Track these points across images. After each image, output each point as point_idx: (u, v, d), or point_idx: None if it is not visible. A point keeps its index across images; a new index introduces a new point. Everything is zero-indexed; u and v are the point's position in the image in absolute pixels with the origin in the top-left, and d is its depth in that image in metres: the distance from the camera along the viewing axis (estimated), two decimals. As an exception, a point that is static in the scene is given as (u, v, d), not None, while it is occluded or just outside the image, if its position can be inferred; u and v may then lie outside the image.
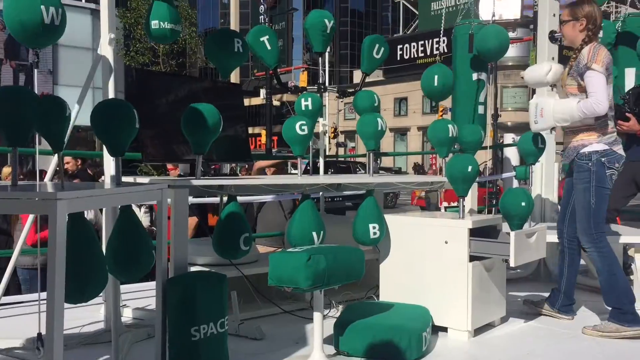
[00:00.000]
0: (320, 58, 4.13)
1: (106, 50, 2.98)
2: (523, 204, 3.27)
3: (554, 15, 4.73)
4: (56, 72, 25.36)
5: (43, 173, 7.53)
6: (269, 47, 3.81)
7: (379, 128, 3.63)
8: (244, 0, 60.63)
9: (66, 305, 1.88)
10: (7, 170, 4.96)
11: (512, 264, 3.14)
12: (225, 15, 63.77)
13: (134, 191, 2.41)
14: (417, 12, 40.08)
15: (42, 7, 2.37)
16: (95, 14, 28.83)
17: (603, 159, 3.34)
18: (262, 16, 35.08)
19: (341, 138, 42.67)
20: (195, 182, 2.81)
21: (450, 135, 3.76)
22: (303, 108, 3.76)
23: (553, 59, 4.78)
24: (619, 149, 3.42)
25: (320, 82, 4.14)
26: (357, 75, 47.29)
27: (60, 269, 1.83)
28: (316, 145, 4.35)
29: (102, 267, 2.19)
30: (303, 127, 3.44)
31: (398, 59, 39.20)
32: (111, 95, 2.93)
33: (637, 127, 4.42)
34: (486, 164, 8.70)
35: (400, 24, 49.17)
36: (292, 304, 3.71)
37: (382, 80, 40.69)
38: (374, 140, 3.69)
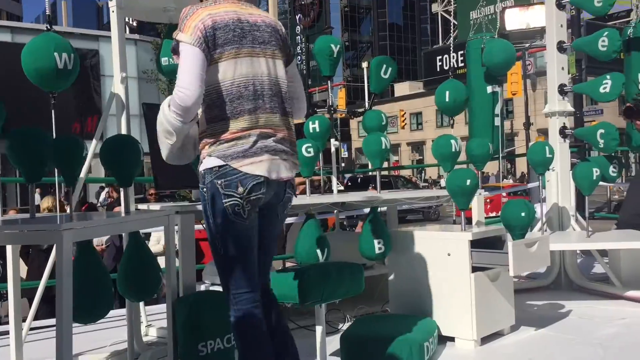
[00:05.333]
0: (329, 81, 4.30)
1: (119, 88, 3.23)
2: (523, 214, 3.35)
3: (561, 25, 4.81)
4: (102, 101, 26.27)
5: (84, 205, 7.95)
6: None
7: (383, 147, 3.78)
8: (282, 22, 61.66)
9: (95, 326, 2.05)
10: (45, 203, 5.27)
11: (511, 273, 3.21)
12: (266, 37, 64.81)
13: (140, 218, 2.63)
14: (456, 22, 39.87)
15: (55, 54, 2.63)
16: (140, 44, 29.86)
17: (218, 182, 2.21)
18: (299, 36, 35.66)
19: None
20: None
21: (453, 150, 3.85)
22: (311, 130, 3.93)
23: (563, 68, 4.85)
24: (249, 164, 2.21)
25: (330, 104, 4.30)
26: (398, 89, 47.28)
27: (68, 294, 2.04)
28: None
29: (108, 290, 2.40)
30: (309, 149, 3.63)
31: (438, 70, 39.02)
32: (124, 129, 3.16)
33: None
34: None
35: (440, 35, 49.01)
36: (307, 319, 3.85)
37: (422, 93, 40.64)
38: (379, 159, 3.83)
